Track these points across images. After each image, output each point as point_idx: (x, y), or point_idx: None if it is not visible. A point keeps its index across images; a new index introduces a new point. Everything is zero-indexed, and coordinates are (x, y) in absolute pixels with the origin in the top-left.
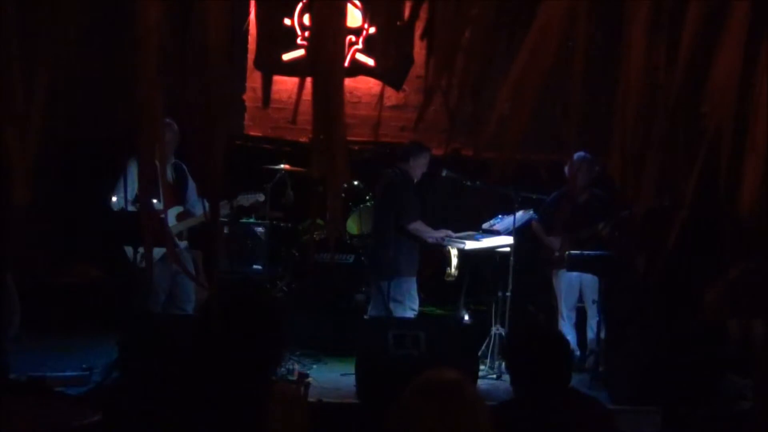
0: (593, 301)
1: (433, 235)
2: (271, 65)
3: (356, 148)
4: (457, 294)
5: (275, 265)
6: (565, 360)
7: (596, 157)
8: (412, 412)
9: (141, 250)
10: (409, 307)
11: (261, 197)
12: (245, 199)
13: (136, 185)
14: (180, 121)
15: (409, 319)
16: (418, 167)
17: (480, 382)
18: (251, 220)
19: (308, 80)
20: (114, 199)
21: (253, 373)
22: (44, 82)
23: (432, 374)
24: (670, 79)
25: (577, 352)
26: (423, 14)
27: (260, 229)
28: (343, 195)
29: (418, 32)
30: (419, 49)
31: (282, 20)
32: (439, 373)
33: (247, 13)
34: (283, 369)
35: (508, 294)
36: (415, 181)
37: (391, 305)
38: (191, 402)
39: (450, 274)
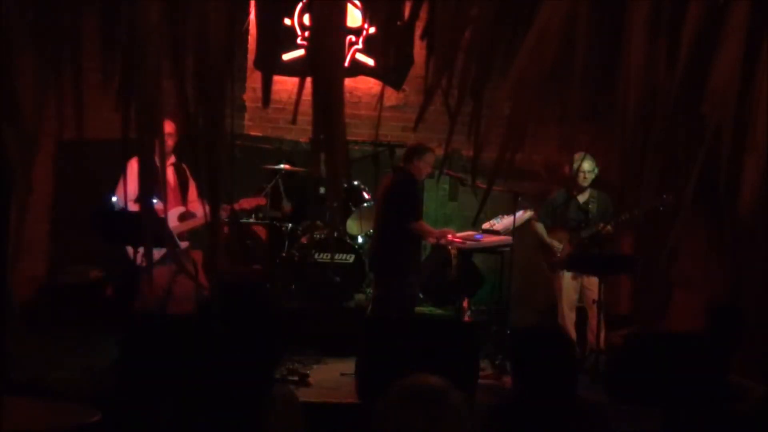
0: (593, 301)
1: (433, 234)
2: (271, 65)
3: (356, 148)
4: (457, 294)
5: (275, 265)
6: (570, 362)
7: (597, 158)
8: (395, 420)
9: (141, 249)
10: (406, 307)
11: (262, 201)
12: (247, 203)
13: (136, 185)
14: (180, 121)
15: (409, 319)
16: (422, 168)
17: (480, 382)
18: (251, 220)
19: (308, 80)
20: (114, 198)
21: (252, 373)
22: (45, 83)
23: (415, 380)
24: (670, 79)
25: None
26: (423, 14)
27: (260, 229)
28: (343, 195)
29: (418, 32)
30: (419, 49)
31: (282, 20)
32: (422, 378)
33: (247, 13)
34: (283, 369)
35: (508, 294)
36: (419, 181)
37: (391, 305)
38: (190, 402)
39: (450, 274)
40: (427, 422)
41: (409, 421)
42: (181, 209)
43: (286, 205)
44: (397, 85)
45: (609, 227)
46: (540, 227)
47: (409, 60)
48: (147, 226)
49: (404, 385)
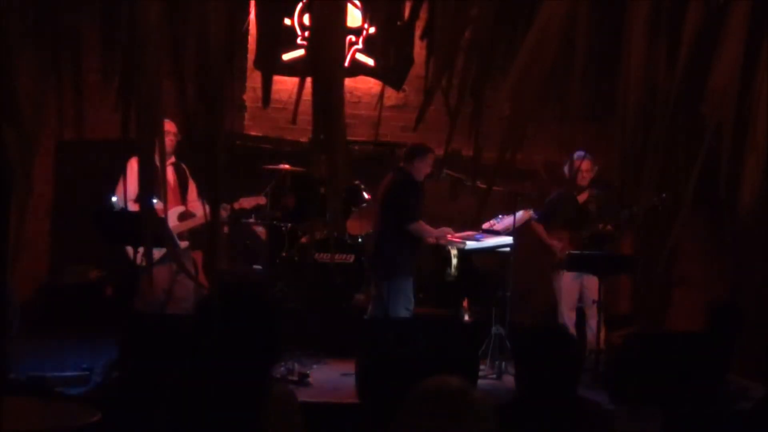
0: (593, 301)
1: (433, 234)
2: (271, 65)
3: (356, 148)
4: (457, 294)
5: (275, 265)
6: (574, 362)
7: (596, 158)
8: (417, 421)
9: (141, 249)
10: (404, 307)
11: (262, 200)
12: (246, 202)
13: (136, 185)
14: (180, 121)
15: (409, 319)
16: (422, 168)
17: (480, 382)
18: (251, 220)
19: (308, 80)
20: (114, 198)
21: (250, 372)
22: (45, 83)
23: (436, 382)
24: (670, 79)
25: None
26: (423, 14)
27: (260, 229)
28: (343, 195)
29: (418, 32)
30: (419, 49)
31: (282, 20)
32: (443, 380)
33: (247, 13)
34: (283, 369)
35: (508, 294)
36: (418, 181)
37: (390, 305)
38: (188, 402)
39: (450, 274)
40: (449, 424)
41: (431, 423)
42: (180, 209)
43: (289, 200)
44: (397, 85)
45: (609, 227)
46: (540, 227)
47: (409, 60)
48: (147, 226)
49: (424, 388)
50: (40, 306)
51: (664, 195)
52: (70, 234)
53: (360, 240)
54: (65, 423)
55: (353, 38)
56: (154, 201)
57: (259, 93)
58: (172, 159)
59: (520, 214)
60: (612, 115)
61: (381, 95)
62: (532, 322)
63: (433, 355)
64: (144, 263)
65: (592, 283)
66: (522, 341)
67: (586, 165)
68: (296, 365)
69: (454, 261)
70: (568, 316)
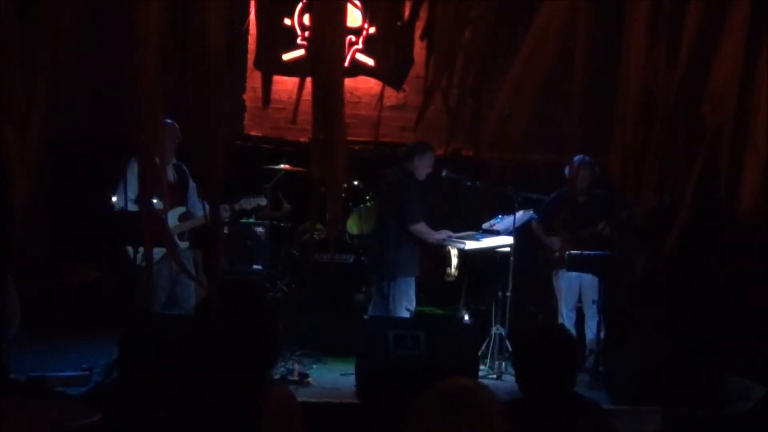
0: (593, 301)
1: (433, 236)
2: (271, 65)
3: (356, 148)
4: (457, 294)
5: (275, 265)
6: (571, 362)
7: (596, 158)
8: (425, 423)
9: (141, 249)
10: (405, 307)
11: (263, 201)
12: (247, 203)
13: (136, 185)
14: (180, 121)
15: (409, 319)
16: (422, 167)
17: (480, 382)
18: (251, 221)
19: (308, 80)
20: (114, 198)
21: (248, 373)
22: (44, 82)
23: (445, 383)
24: (670, 79)
25: None
26: (423, 14)
27: (260, 229)
28: (343, 195)
29: (418, 32)
30: (419, 49)
31: (282, 20)
32: (452, 381)
33: (247, 13)
34: (283, 369)
35: (508, 294)
36: (419, 180)
37: (391, 305)
38: (189, 402)
39: (450, 274)
40: (456, 425)
41: (439, 425)
42: (181, 209)
43: (285, 206)
44: (397, 85)
45: (608, 228)
46: (539, 227)
47: (409, 60)
48: (147, 226)
49: (433, 389)
50: (40, 306)
51: (663, 196)
52: (70, 234)
53: (360, 240)
54: (65, 423)
55: (353, 38)
56: (154, 201)
57: (259, 93)
58: (173, 159)
59: (520, 214)
60: (612, 115)
61: (381, 95)
62: (531, 322)
63: (432, 355)
64: (144, 263)
65: (591, 282)
66: (518, 340)
67: (585, 167)
68: (296, 365)
69: (454, 261)
70: (567, 316)
